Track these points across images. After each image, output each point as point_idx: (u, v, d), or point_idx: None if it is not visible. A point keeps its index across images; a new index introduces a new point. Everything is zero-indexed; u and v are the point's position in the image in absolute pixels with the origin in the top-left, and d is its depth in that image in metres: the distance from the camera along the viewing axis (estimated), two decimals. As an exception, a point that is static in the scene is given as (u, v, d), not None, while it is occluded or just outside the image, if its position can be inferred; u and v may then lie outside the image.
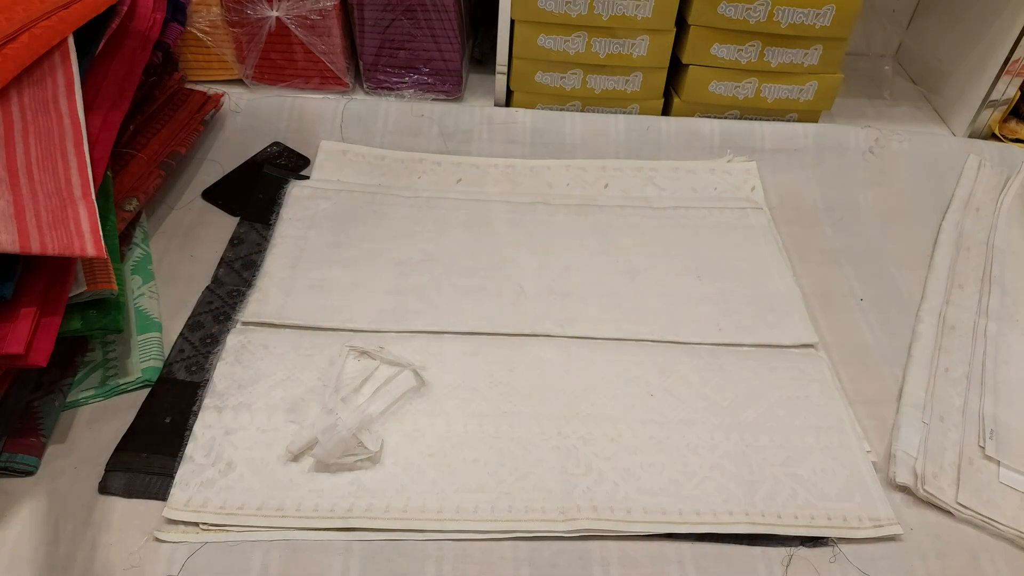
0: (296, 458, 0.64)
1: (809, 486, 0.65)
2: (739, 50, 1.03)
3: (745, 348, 0.78)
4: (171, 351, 0.73)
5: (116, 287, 0.66)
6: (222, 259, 0.84)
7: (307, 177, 0.97)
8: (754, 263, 0.88)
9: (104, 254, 0.63)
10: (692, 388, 0.73)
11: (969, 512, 0.64)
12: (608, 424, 0.69)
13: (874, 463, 0.68)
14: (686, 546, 0.62)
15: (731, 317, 0.81)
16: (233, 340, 0.73)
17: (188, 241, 0.86)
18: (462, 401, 0.70)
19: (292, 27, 1.01)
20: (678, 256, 0.88)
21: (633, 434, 0.68)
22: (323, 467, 0.63)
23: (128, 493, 0.62)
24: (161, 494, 0.61)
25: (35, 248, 0.58)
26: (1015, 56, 1.03)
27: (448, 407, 0.70)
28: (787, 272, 0.87)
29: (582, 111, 1.09)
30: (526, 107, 1.09)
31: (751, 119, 1.09)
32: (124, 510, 0.61)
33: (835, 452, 0.68)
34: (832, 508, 0.64)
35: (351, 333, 0.76)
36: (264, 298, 0.78)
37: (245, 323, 0.76)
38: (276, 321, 0.76)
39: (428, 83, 1.09)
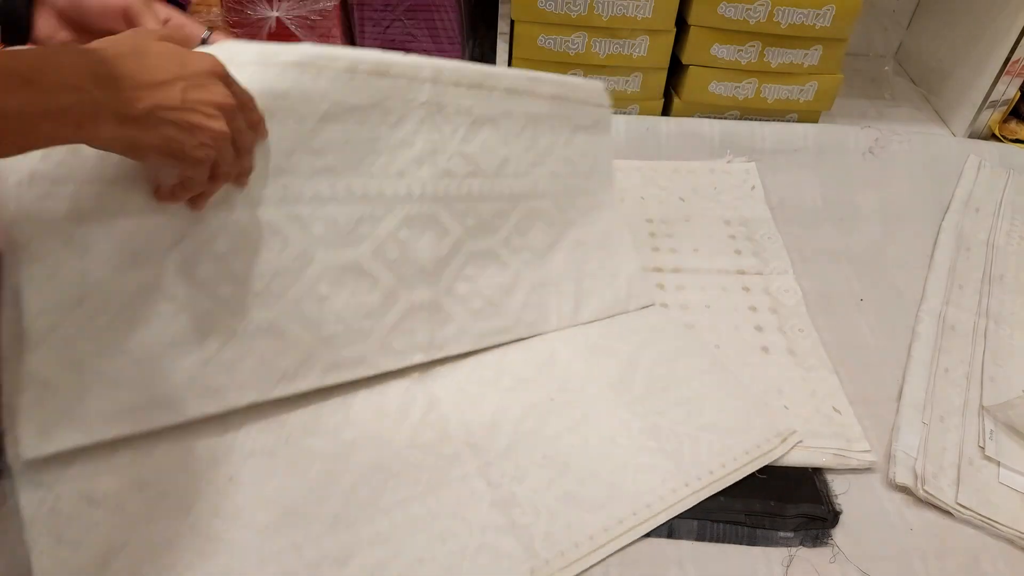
0: None
1: (717, 430, 0.67)
2: (739, 50, 1.03)
3: (604, 321, 0.78)
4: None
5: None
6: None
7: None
8: (596, 227, 0.83)
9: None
10: (580, 376, 0.71)
11: (969, 512, 0.64)
12: (527, 450, 0.64)
13: (873, 463, 0.68)
14: (686, 545, 0.62)
15: (584, 294, 0.78)
16: None
17: (188, 241, 0.86)
18: (374, 491, 0.58)
19: (292, 28, 1.01)
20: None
21: (556, 451, 0.64)
22: None
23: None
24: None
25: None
26: (1015, 56, 1.03)
27: (362, 506, 0.57)
28: (624, 234, 0.84)
29: (582, 111, 1.09)
30: (526, 107, 1.08)
31: (751, 119, 1.09)
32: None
33: (721, 387, 0.71)
34: (744, 441, 0.66)
35: None
36: None
37: None
38: None
39: (428, 83, 1.09)
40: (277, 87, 0.55)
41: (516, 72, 0.71)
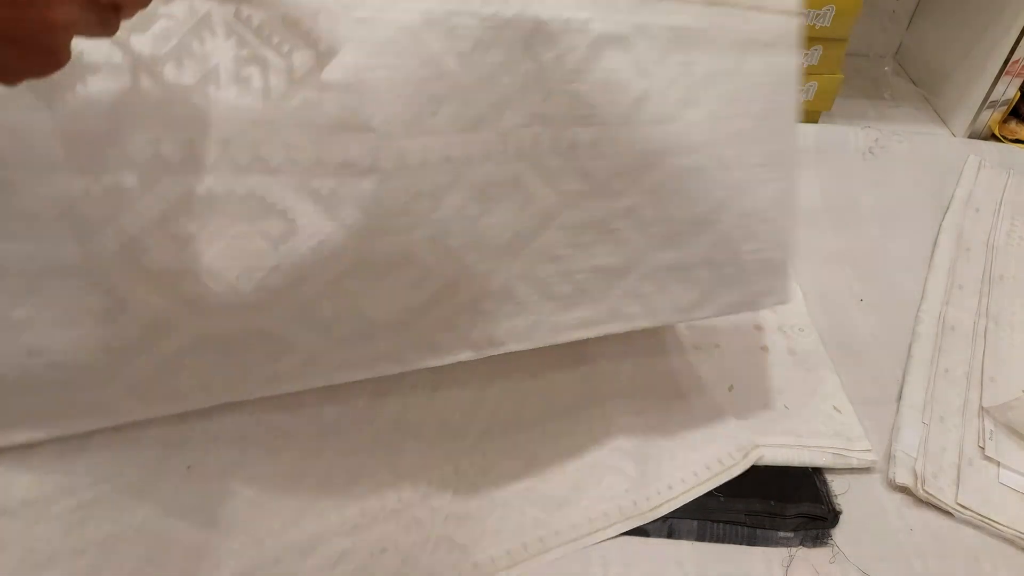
0: None
1: (682, 441, 0.66)
2: (739, 50, 1.02)
3: None
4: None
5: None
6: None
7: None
8: None
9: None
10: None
11: (969, 513, 0.64)
12: (501, 436, 0.61)
13: (874, 462, 0.68)
14: (686, 545, 0.61)
15: (717, 286, 0.62)
16: None
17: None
18: (347, 478, 0.55)
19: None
20: None
21: (528, 439, 0.62)
22: None
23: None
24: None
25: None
26: (1015, 56, 1.03)
27: (333, 493, 0.54)
28: (793, 206, 0.61)
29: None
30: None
31: (751, 119, 1.08)
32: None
33: (692, 394, 0.69)
34: (705, 455, 0.65)
35: None
36: None
37: None
38: None
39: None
40: None
41: None
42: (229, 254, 0.40)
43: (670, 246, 0.54)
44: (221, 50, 0.37)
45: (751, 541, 0.62)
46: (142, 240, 0.38)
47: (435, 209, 0.45)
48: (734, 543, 0.62)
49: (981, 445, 0.69)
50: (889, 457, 0.69)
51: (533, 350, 0.55)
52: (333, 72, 0.38)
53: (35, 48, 0.29)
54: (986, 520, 0.64)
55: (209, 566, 0.47)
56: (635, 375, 0.71)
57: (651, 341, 0.74)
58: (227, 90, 0.37)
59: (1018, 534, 0.63)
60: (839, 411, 0.72)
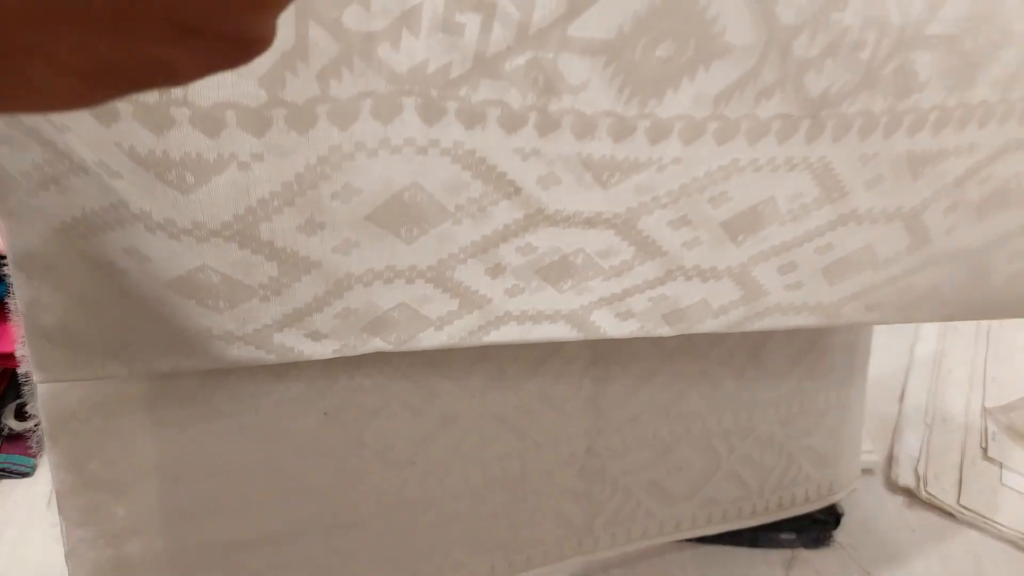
0: None
1: (809, 456, 0.63)
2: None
3: None
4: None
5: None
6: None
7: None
8: None
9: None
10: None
11: (971, 514, 0.64)
12: (646, 426, 0.57)
13: (876, 463, 0.68)
14: (688, 547, 0.61)
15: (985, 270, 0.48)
16: None
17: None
18: (481, 442, 0.53)
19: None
20: None
21: (669, 431, 0.58)
22: None
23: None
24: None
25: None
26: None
27: (462, 456, 0.53)
28: None
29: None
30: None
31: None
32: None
33: (845, 409, 0.64)
34: (815, 477, 0.63)
35: None
36: None
37: None
38: None
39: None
40: None
41: None
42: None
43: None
44: None
45: (753, 542, 0.62)
46: None
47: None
48: (736, 544, 0.62)
49: (983, 446, 0.69)
50: (891, 458, 0.68)
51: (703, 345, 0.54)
52: None
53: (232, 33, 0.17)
54: (988, 521, 0.63)
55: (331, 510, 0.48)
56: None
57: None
58: None
59: (1020, 535, 0.63)
60: (841, 412, 0.72)
